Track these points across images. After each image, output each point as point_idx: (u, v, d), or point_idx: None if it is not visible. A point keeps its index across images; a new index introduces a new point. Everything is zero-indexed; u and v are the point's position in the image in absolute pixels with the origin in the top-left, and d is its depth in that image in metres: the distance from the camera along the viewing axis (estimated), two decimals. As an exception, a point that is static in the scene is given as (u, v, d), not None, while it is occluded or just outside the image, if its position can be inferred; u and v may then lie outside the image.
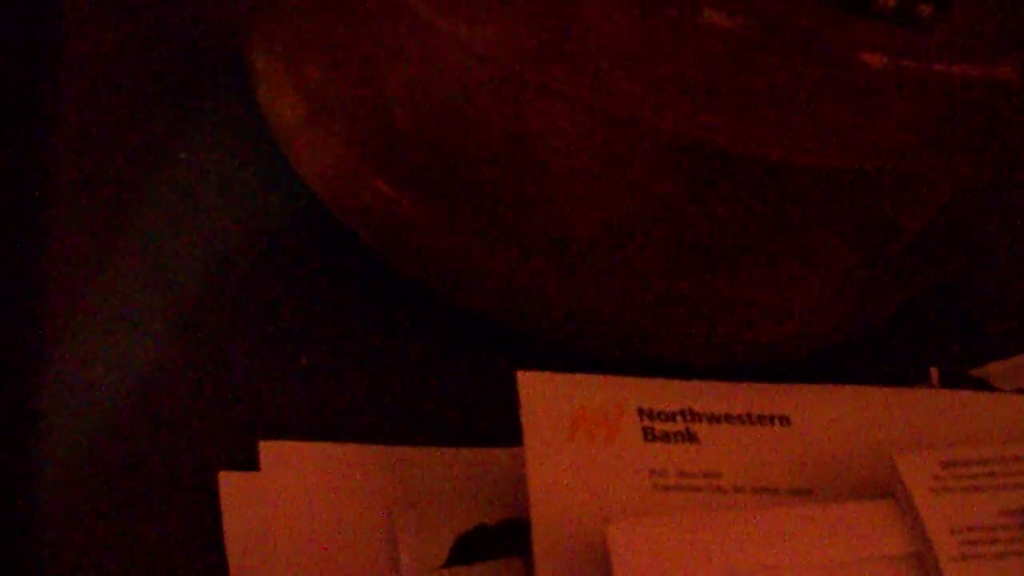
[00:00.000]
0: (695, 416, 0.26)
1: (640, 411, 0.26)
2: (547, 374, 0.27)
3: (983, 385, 0.29)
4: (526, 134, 0.26)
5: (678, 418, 0.26)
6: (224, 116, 0.33)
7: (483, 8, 0.25)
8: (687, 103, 0.24)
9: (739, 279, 0.28)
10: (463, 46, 0.25)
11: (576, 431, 0.26)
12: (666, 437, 0.26)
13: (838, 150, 0.26)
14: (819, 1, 0.23)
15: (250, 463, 0.26)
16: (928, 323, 0.31)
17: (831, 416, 0.27)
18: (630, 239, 0.28)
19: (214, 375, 0.28)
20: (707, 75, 0.24)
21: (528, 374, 0.27)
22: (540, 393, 0.26)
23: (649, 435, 0.26)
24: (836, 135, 0.25)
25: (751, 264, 0.28)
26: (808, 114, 0.25)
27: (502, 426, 0.27)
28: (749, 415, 0.27)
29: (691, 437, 0.26)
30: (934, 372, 0.29)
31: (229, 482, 0.26)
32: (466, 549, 0.26)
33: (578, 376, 0.27)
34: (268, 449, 0.27)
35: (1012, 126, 0.28)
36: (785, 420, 0.27)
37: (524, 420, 0.25)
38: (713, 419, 0.26)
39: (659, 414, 0.26)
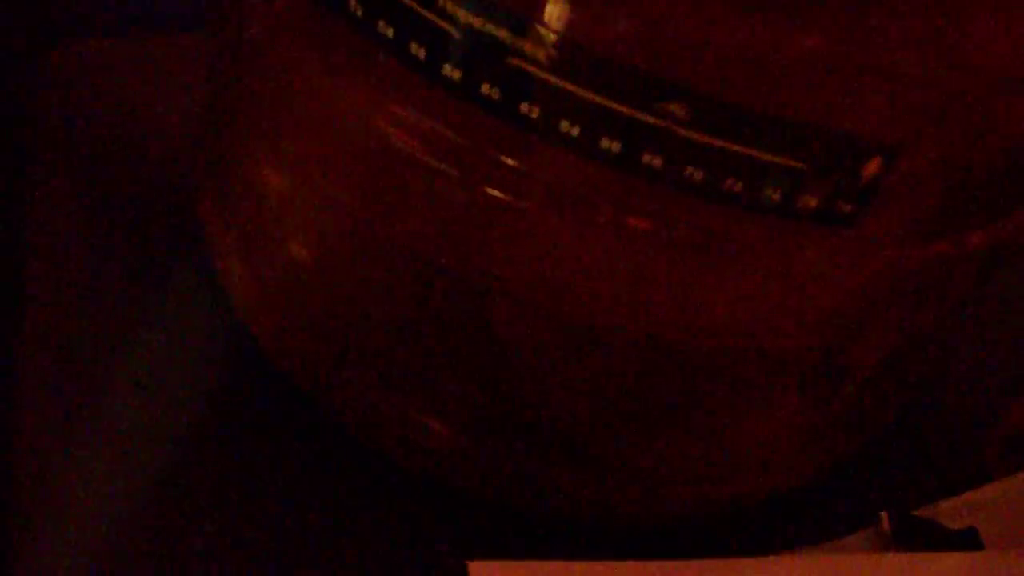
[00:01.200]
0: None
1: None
2: (501, 564, 0.26)
3: (932, 526, 0.29)
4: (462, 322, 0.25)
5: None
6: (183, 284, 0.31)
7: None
8: (623, 302, 0.24)
9: (690, 440, 0.27)
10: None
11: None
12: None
13: (777, 336, 0.25)
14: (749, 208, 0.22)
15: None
16: (872, 464, 0.30)
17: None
18: (577, 415, 0.27)
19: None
20: (638, 274, 0.23)
21: (480, 565, 0.26)
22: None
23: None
24: (772, 327, 0.24)
25: (701, 426, 0.27)
26: (742, 308, 0.24)
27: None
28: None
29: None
30: (884, 517, 0.29)
31: None
32: None
33: (533, 564, 0.26)
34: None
35: (950, 289, 0.27)
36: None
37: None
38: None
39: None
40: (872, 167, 0.22)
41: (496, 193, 0.23)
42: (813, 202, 0.22)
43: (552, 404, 0.27)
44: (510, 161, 0.22)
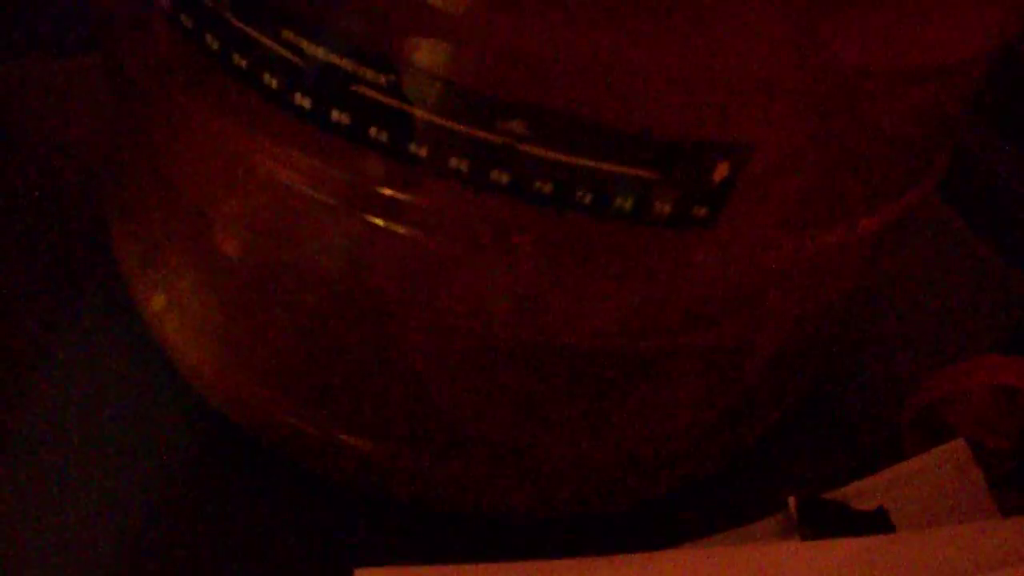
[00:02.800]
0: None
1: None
2: (386, 570, 0.27)
3: (841, 509, 0.29)
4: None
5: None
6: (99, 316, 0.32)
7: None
8: (515, 312, 0.24)
9: (593, 436, 0.28)
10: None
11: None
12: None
13: (661, 335, 0.25)
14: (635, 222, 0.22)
15: None
16: (782, 448, 0.31)
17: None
18: (484, 419, 0.27)
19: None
20: (525, 286, 0.23)
21: (366, 571, 0.27)
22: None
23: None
24: (653, 326, 0.25)
25: (603, 423, 0.28)
26: (622, 311, 0.24)
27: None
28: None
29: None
30: (792, 501, 0.29)
31: None
32: None
33: (419, 568, 0.27)
34: None
35: (842, 274, 0.27)
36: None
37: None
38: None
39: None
40: (722, 171, 0.22)
41: (377, 221, 0.23)
42: (667, 208, 0.22)
43: (458, 410, 0.27)
44: (385, 190, 0.22)
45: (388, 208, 0.23)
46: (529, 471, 0.28)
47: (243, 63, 0.22)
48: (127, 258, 0.30)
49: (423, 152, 0.22)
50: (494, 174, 0.21)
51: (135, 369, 0.30)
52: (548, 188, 0.22)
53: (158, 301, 0.29)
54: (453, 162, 0.22)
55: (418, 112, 0.21)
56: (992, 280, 0.37)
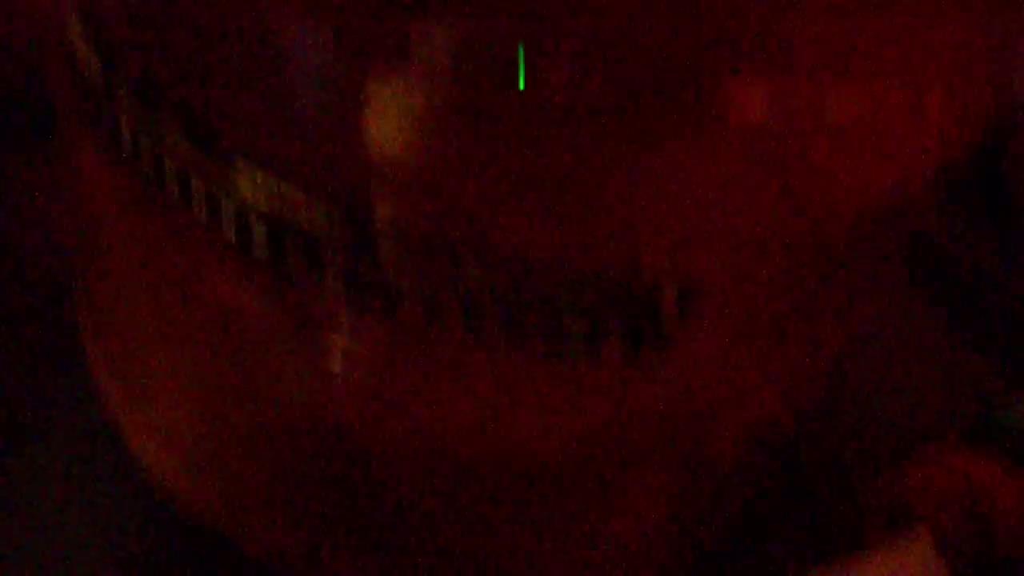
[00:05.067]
0: None
1: None
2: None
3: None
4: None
5: None
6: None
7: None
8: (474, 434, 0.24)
9: (552, 543, 0.28)
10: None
11: None
12: None
13: (620, 449, 0.25)
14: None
15: None
16: (749, 538, 0.31)
17: None
18: (445, 531, 0.27)
19: None
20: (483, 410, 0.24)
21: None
22: None
23: None
24: (612, 443, 0.25)
25: (562, 531, 0.28)
26: (584, 430, 0.24)
27: None
28: None
29: None
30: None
31: None
32: None
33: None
34: None
35: (799, 387, 0.27)
36: None
37: None
38: None
39: None
40: (671, 304, 0.22)
41: (334, 348, 0.23)
42: (617, 341, 0.22)
43: (422, 520, 0.27)
44: (338, 320, 0.23)
45: (343, 337, 0.23)
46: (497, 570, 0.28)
47: (190, 194, 0.22)
48: (96, 366, 0.30)
49: (369, 286, 0.22)
50: (441, 311, 0.22)
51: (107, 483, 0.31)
52: (495, 326, 0.22)
53: (134, 416, 0.30)
54: (401, 299, 0.22)
55: (367, 251, 0.21)
56: (958, 363, 0.37)
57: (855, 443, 0.34)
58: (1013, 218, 0.40)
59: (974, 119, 0.24)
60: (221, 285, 0.23)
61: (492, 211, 0.20)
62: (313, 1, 0.19)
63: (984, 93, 0.24)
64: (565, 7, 0.18)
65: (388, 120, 0.19)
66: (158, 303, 0.25)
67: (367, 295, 0.22)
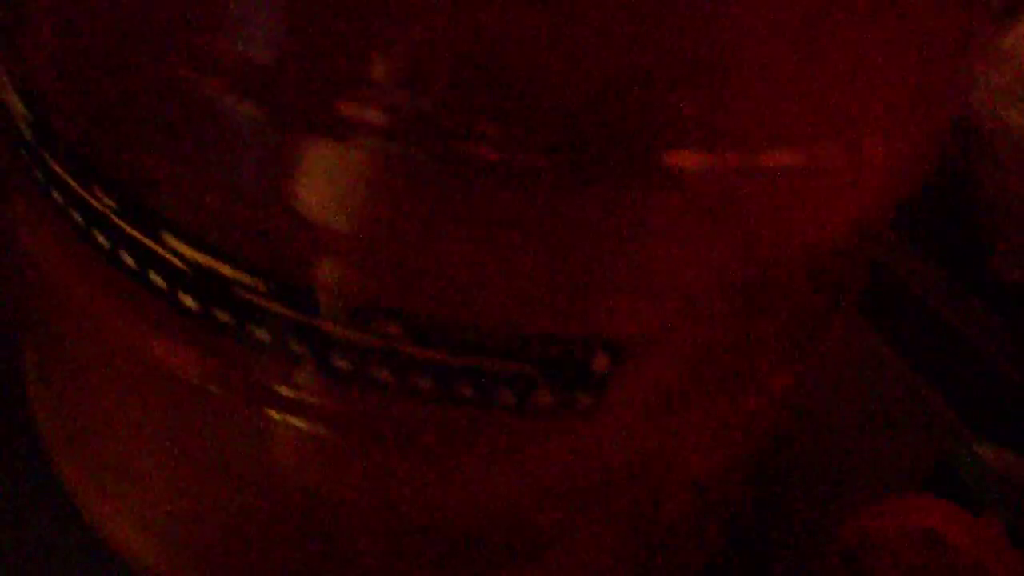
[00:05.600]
0: None
1: None
2: None
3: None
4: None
5: None
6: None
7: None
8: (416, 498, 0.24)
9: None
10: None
11: None
12: None
13: (564, 510, 0.25)
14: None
15: None
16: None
17: None
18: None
19: None
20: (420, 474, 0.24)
21: None
22: None
23: None
24: (554, 504, 0.25)
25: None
26: (516, 493, 0.24)
27: None
28: None
29: None
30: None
31: None
32: None
33: None
34: None
35: (748, 437, 0.27)
36: None
37: None
38: None
39: None
40: (602, 363, 0.22)
41: (275, 416, 0.23)
42: (548, 400, 0.22)
43: None
44: (278, 388, 0.23)
45: (283, 404, 0.23)
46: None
47: (131, 261, 0.23)
48: (44, 423, 0.30)
49: (305, 352, 0.22)
50: (374, 372, 0.22)
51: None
52: (428, 385, 0.22)
53: (86, 483, 0.30)
54: (335, 361, 0.22)
55: (298, 316, 0.21)
56: (919, 414, 0.37)
57: (811, 494, 0.34)
58: (978, 255, 0.40)
59: (919, 156, 0.24)
60: (159, 346, 0.23)
61: (423, 275, 0.20)
62: (243, 75, 0.19)
63: (930, 129, 0.24)
64: (501, 73, 0.18)
65: (319, 190, 0.20)
66: (104, 367, 0.26)
67: (300, 360, 0.22)
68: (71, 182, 0.23)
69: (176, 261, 0.22)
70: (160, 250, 0.22)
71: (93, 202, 0.22)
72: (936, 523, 0.29)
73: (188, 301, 0.22)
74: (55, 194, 0.23)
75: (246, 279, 0.21)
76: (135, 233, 0.22)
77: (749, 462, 0.28)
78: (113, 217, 0.22)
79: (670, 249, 0.20)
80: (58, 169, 0.23)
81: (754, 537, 0.32)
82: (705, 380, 0.24)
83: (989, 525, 0.30)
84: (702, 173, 0.19)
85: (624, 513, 0.26)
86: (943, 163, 0.41)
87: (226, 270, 0.21)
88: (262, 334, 0.22)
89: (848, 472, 0.34)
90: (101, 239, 0.23)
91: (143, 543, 0.29)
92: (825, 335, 0.27)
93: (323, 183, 0.19)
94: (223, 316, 0.22)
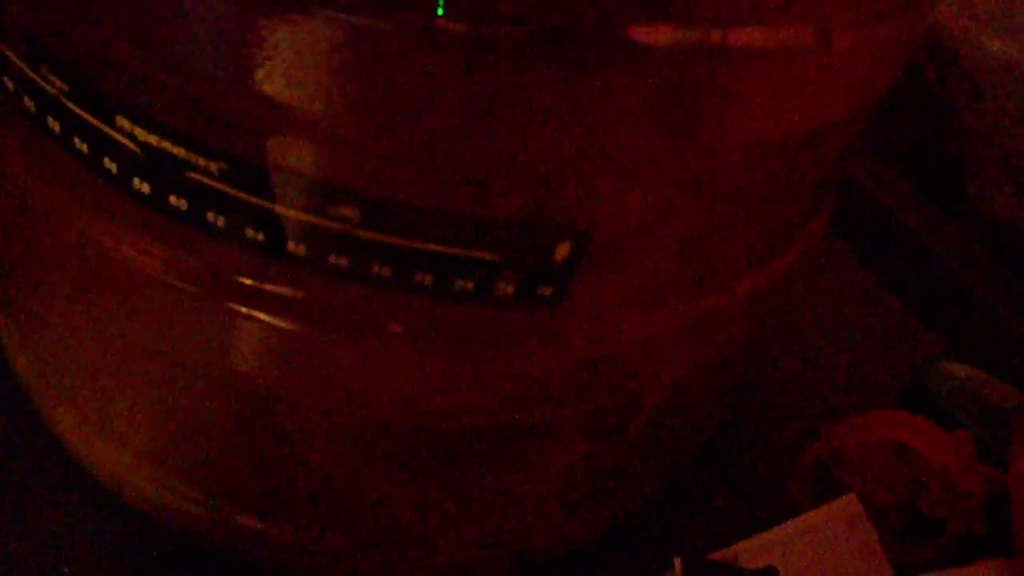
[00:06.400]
0: None
1: None
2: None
3: (729, 570, 0.29)
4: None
5: None
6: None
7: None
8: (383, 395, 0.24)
9: (474, 506, 0.28)
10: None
11: None
12: None
13: (529, 407, 0.25)
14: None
15: None
16: (671, 507, 0.30)
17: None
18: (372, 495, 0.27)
19: None
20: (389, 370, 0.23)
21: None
22: None
23: None
24: (519, 401, 0.25)
25: (482, 493, 0.27)
26: (487, 390, 0.24)
27: None
28: None
29: None
30: (677, 563, 0.29)
31: None
32: None
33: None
34: None
35: (716, 340, 0.27)
36: None
37: None
38: None
39: None
40: (563, 251, 0.21)
41: (236, 307, 0.23)
42: (510, 289, 0.22)
43: (341, 488, 0.27)
44: (236, 277, 0.22)
45: (240, 293, 0.22)
46: (411, 544, 0.28)
47: (84, 147, 0.22)
48: (5, 332, 0.30)
49: (261, 238, 0.21)
50: (332, 258, 0.21)
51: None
52: (386, 272, 0.21)
53: (43, 384, 0.29)
54: (291, 247, 0.21)
55: (254, 200, 0.21)
56: (892, 331, 0.37)
57: (785, 409, 0.34)
58: (956, 183, 0.40)
59: (889, 54, 0.24)
60: (114, 238, 0.23)
61: (382, 155, 0.20)
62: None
63: (900, 26, 0.23)
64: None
65: (284, 68, 0.19)
66: (62, 263, 0.25)
67: (256, 246, 0.21)
68: (22, 65, 0.22)
69: (130, 144, 0.21)
70: (114, 134, 0.21)
71: (44, 86, 0.22)
72: (907, 436, 0.29)
73: (142, 186, 0.22)
74: (6, 80, 0.22)
75: (201, 162, 0.21)
76: (87, 116, 0.21)
77: (719, 372, 0.28)
78: (65, 100, 0.22)
79: (634, 134, 0.20)
80: (9, 54, 0.22)
81: (728, 453, 0.32)
82: (670, 276, 0.23)
83: (959, 440, 0.29)
84: (667, 49, 0.19)
85: (597, 419, 0.26)
86: (923, 92, 0.41)
87: (180, 152, 0.21)
88: (217, 220, 0.21)
89: (824, 389, 0.34)
90: (53, 124, 0.22)
91: (105, 451, 0.29)
92: (794, 240, 0.27)
93: (288, 61, 0.19)
94: (178, 202, 0.21)
